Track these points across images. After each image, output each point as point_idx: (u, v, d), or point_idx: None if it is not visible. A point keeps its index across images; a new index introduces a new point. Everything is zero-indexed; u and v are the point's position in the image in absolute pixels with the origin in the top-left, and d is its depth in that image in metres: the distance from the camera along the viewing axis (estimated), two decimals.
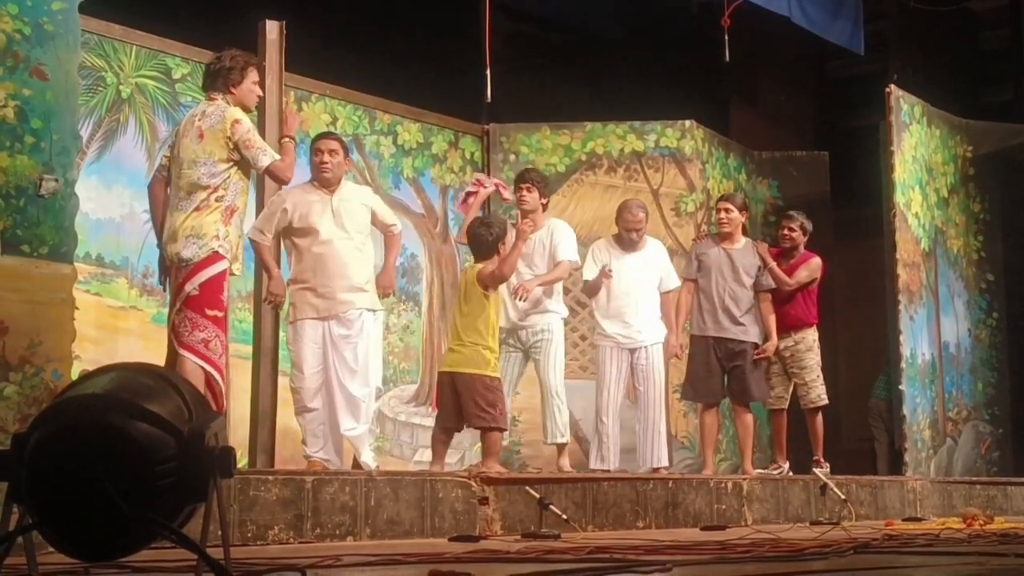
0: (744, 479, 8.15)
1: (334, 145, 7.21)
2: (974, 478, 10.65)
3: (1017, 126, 12.17)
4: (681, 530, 7.17)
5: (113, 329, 8.00)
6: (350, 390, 6.95)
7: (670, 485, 7.51)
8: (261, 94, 6.50)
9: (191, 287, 5.95)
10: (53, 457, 2.59)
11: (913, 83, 11.22)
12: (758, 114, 13.20)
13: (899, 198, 10.26)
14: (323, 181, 7.09)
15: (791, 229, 9.14)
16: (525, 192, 8.16)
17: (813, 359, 9.05)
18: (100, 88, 8.01)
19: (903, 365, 10.11)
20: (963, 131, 11.63)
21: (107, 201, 8.05)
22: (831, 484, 8.44)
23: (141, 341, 8.04)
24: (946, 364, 10.99)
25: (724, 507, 7.77)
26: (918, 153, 10.76)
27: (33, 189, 5.39)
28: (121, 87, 8.16)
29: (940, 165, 11.19)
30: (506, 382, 7.87)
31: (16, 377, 5.23)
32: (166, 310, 8.16)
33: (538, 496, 6.35)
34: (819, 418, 9.11)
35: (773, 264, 8.91)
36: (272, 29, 7.30)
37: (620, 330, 8.49)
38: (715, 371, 8.76)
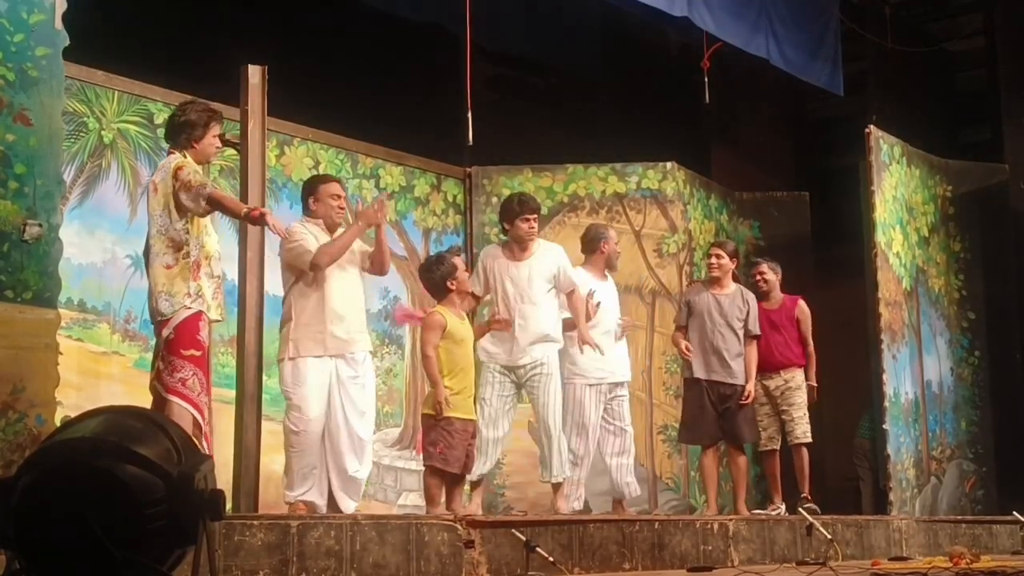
0: (730, 520, 8.12)
1: (341, 190, 7.34)
2: (959, 516, 10.64)
3: (995, 165, 12.26)
4: (668, 572, 7.14)
5: (95, 375, 7.96)
6: (359, 432, 6.94)
7: (656, 526, 7.47)
8: (220, 145, 6.50)
9: (167, 332, 6.01)
10: (41, 501, 2.57)
11: (892, 123, 11.28)
12: (739, 155, 13.25)
13: (880, 238, 10.30)
14: (334, 225, 7.11)
15: (761, 273, 9.32)
16: (534, 223, 8.04)
17: (801, 397, 9.17)
18: (82, 133, 8.01)
19: (886, 404, 10.12)
20: (942, 171, 11.71)
21: (89, 246, 8.03)
22: (817, 524, 8.41)
23: (123, 386, 7.99)
24: (929, 403, 11.00)
25: (710, 548, 7.73)
26: (898, 193, 10.81)
27: (17, 234, 5.39)
28: (103, 132, 8.15)
29: (920, 205, 11.25)
30: (501, 417, 7.86)
31: None
32: (148, 355, 8.18)
33: (524, 539, 6.32)
34: (805, 455, 9.17)
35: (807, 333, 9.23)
36: (254, 73, 7.29)
37: (600, 365, 8.36)
38: (709, 413, 8.81)
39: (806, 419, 9.16)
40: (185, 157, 6.20)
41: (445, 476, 7.39)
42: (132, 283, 8.20)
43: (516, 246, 8.03)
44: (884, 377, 10.13)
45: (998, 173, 12.21)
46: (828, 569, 6.51)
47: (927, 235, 11.32)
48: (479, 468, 7.90)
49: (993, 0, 13.06)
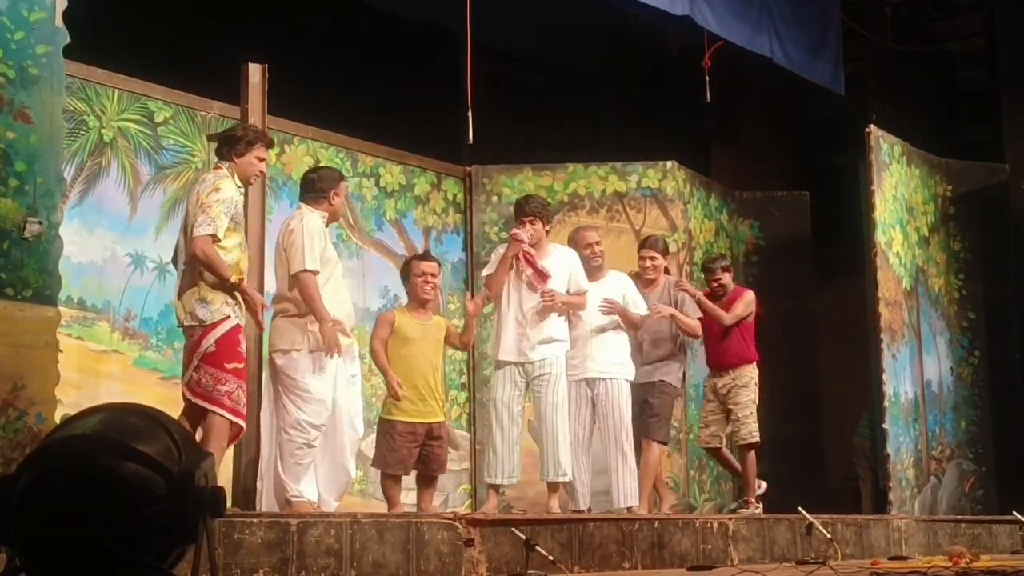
0: (730, 519, 8.12)
1: None
2: (959, 516, 10.65)
3: (995, 165, 12.27)
4: (667, 571, 7.14)
5: (95, 373, 7.95)
6: (359, 432, 6.96)
7: (656, 525, 7.47)
8: (264, 171, 6.65)
9: (207, 344, 6.14)
10: (42, 498, 2.57)
11: (892, 123, 11.29)
12: (739, 154, 13.27)
13: (880, 237, 10.30)
14: (335, 221, 7.14)
15: (718, 279, 9.06)
16: (528, 225, 7.92)
17: (748, 396, 8.90)
18: (82, 132, 8.00)
19: (886, 404, 10.11)
20: (942, 170, 11.71)
21: (89, 244, 8.02)
22: (816, 523, 8.42)
23: (123, 385, 7.99)
24: (929, 402, 11.01)
25: (710, 547, 7.74)
26: (898, 192, 10.81)
27: (17, 232, 5.39)
28: (103, 131, 8.14)
29: (920, 204, 11.25)
30: (509, 419, 7.84)
31: None
32: (148, 353, 8.22)
33: (524, 537, 6.32)
34: (751, 457, 8.93)
35: (703, 298, 8.80)
36: (255, 72, 7.30)
37: (576, 363, 8.21)
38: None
39: (752, 419, 8.88)
40: (228, 172, 6.34)
41: (399, 478, 7.47)
42: (132, 281, 8.20)
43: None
44: (884, 377, 10.12)
45: (998, 173, 12.23)
46: (828, 568, 6.51)
47: (927, 235, 11.32)
48: (506, 478, 7.87)
49: (993, 0, 13.07)
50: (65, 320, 6.88)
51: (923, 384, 10.95)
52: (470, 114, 8.32)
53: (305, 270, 6.70)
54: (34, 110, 5.52)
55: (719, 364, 8.97)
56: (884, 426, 10.13)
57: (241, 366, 6.24)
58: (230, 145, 6.45)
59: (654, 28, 11.39)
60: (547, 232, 8.13)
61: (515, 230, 7.90)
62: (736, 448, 9.03)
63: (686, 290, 8.77)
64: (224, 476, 7.10)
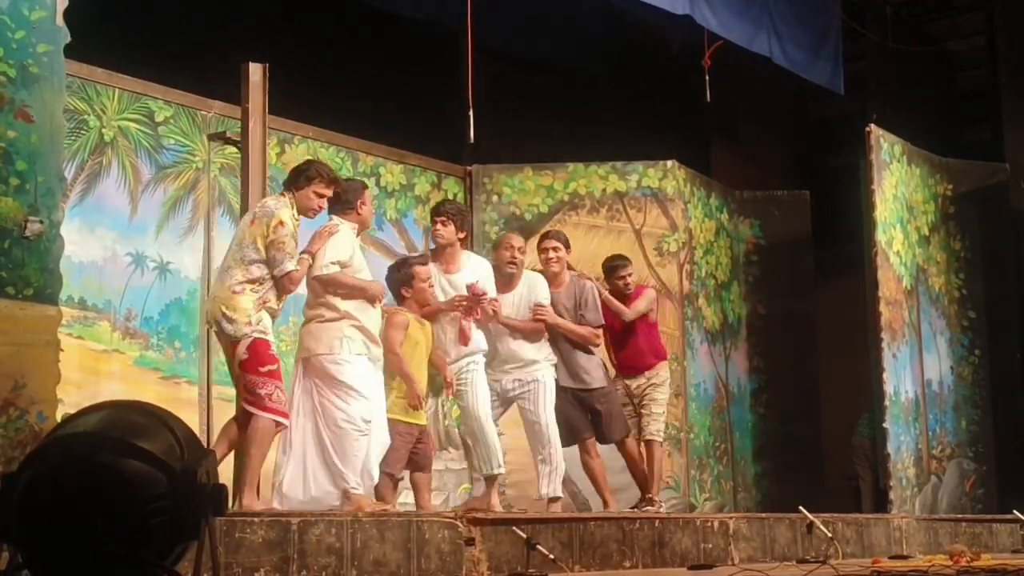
0: (730, 518, 8.12)
1: None
2: (959, 515, 10.65)
3: (995, 164, 12.27)
4: (668, 570, 7.14)
5: (96, 372, 7.95)
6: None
7: (656, 524, 7.47)
8: (323, 207, 6.71)
9: (240, 353, 6.33)
10: (43, 496, 2.57)
11: (892, 123, 11.29)
12: (739, 154, 13.25)
13: (880, 236, 10.30)
14: (367, 225, 7.26)
15: (622, 278, 8.69)
16: (440, 226, 7.70)
17: (663, 394, 8.71)
18: (83, 131, 7.99)
19: (887, 403, 10.12)
20: (943, 170, 11.71)
21: (90, 244, 8.02)
22: (817, 523, 8.42)
23: (124, 384, 7.99)
24: (929, 402, 11.01)
25: (711, 546, 7.74)
26: (899, 192, 10.82)
27: (18, 231, 5.40)
28: (104, 130, 8.14)
29: (920, 203, 11.25)
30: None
31: (0, 419, 5.20)
32: (149, 353, 8.23)
33: (525, 536, 6.32)
34: (656, 453, 8.68)
35: (607, 295, 8.48)
36: (255, 72, 7.31)
37: (496, 375, 7.99)
38: (572, 412, 8.24)
39: (663, 417, 8.72)
40: (288, 203, 6.53)
41: (396, 480, 7.41)
42: (132, 281, 8.21)
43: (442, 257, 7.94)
44: (884, 376, 10.12)
45: (998, 172, 12.23)
46: (829, 567, 6.51)
47: (927, 234, 11.33)
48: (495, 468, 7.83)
49: (993, 0, 13.08)
50: (66, 319, 6.87)
51: (923, 383, 10.95)
52: (471, 114, 8.32)
53: (317, 276, 6.70)
54: (35, 109, 5.53)
55: (633, 367, 8.66)
56: (884, 425, 10.14)
57: (275, 367, 6.38)
58: (292, 179, 6.68)
59: (655, 27, 11.39)
60: (461, 239, 7.88)
61: (473, 285, 7.64)
62: (644, 444, 8.66)
63: (594, 290, 8.39)
64: (225, 475, 7.10)
